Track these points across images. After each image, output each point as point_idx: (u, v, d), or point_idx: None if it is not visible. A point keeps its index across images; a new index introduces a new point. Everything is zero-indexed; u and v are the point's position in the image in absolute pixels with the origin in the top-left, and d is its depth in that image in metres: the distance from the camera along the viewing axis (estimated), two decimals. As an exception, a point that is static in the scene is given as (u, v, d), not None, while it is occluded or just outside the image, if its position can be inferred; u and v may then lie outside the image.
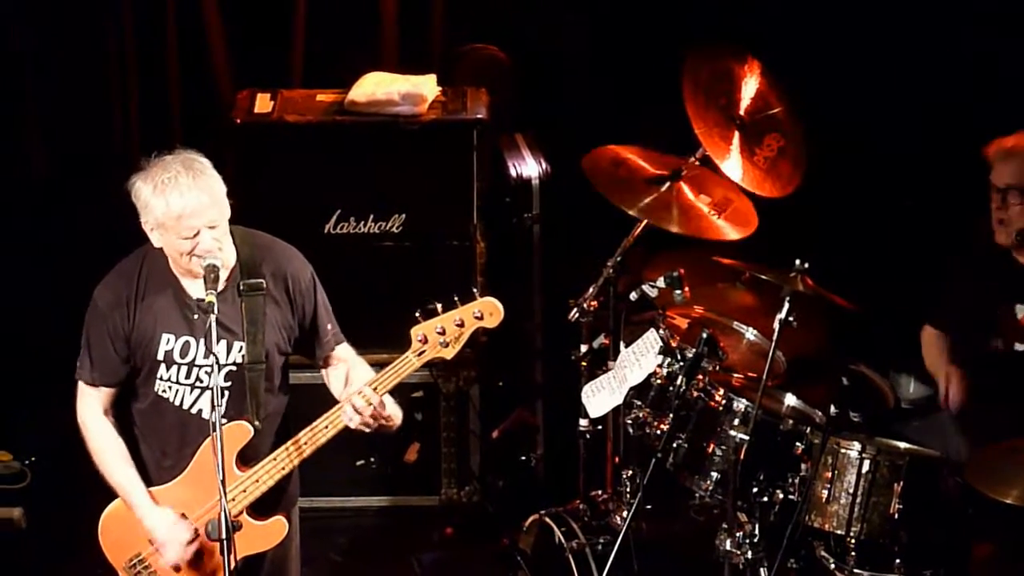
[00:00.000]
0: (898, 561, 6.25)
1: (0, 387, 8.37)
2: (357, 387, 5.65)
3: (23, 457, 8.16)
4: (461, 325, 5.63)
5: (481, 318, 5.64)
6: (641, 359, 6.52)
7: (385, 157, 7.85)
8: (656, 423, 6.48)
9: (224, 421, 5.51)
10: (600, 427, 6.92)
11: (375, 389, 5.60)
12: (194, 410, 5.69)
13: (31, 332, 8.32)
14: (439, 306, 5.64)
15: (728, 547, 6.30)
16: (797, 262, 6.24)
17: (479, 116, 7.89)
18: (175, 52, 8.75)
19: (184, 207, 5.44)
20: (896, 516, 6.21)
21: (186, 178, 5.46)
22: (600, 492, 6.91)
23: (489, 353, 7.96)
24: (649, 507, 6.46)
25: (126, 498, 5.68)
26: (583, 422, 6.88)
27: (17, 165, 8.75)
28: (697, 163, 6.89)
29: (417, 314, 5.63)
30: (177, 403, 5.69)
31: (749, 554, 6.27)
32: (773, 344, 6.18)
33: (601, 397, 6.63)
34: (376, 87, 7.88)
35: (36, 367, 7.93)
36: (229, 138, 7.74)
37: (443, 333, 5.61)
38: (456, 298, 5.64)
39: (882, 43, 8.27)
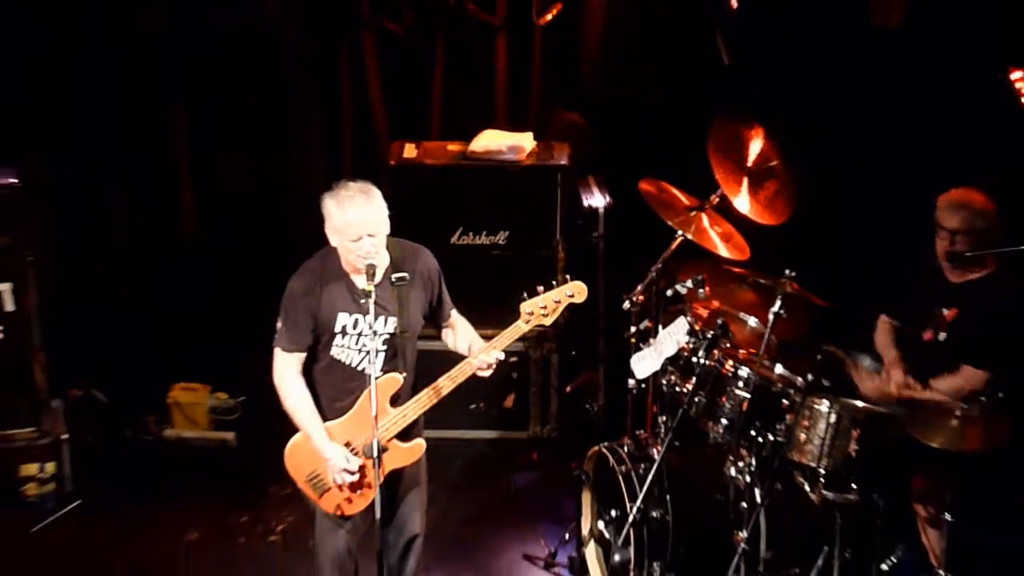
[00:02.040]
0: (854, 486, 6.27)
1: (221, 345, 8.52)
2: (480, 346, 5.81)
3: (236, 396, 8.22)
4: (558, 301, 5.78)
5: (572, 296, 5.79)
6: (674, 338, 6.51)
7: (495, 191, 7.91)
8: (683, 384, 6.58)
9: (380, 374, 5.69)
10: (644, 386, 6.97)
11: (496, 347, 5.76)
12: (359, 367, 5.77)
13: (244, 306, 8.21)
14: (540, 288, 5.79)
15: (733, 473, 6.42)
16: (787, 271, 6.33)
17: (562, 163, 7.93)
18: (350, 114, 8.92)
19: (354, 217, 5.58)
20: (854, 455, 6.23)
21: (360, 198, 5.59)
22: (643, 432, 6.95)
23: (566, 331, 7.95)
24: (677, 444, 6.45)
25: (310, 435, 5.75)
26: (631, 382, 6.93)
27: (230, 185, 8.97)
28: (717, 200, 6.91)
29: (524, 294, 5.77)
30: (347, 362, 5.78)
31: (748, 478, 6.38)
32: (768, 329, 6.29)
33: (645, 364, 6.63)
34: (490, 141, 7.96)
35: (246, 332, 7.44)
36: (385, 176, 7.77)
37: (544, 307, 5.76)
38: (553, 282, 5.81)
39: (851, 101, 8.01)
